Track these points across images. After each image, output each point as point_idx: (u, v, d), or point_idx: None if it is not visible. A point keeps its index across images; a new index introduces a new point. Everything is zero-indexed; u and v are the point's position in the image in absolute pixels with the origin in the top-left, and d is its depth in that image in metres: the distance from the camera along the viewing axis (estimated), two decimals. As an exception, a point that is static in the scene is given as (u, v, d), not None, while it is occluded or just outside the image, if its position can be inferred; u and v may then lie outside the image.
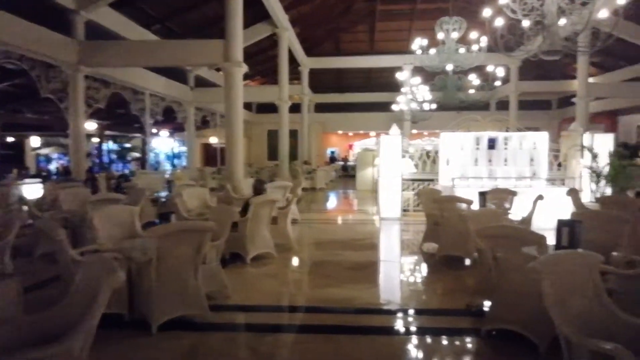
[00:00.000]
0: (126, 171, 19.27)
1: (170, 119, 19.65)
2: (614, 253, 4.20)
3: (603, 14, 7.02)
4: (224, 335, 4.19)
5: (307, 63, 22.23)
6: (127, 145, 28.49)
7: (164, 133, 26.26)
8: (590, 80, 20.13)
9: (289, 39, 17.44)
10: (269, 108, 21.89)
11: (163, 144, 26.89)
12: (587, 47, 8.01)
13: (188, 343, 3.96)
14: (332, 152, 33.25)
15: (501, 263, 3.65)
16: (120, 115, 20.86)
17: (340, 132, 32.91)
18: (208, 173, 17.40)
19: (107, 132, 25.76)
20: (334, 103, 27.91)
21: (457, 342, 3.93)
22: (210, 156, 27.25)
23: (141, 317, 4.14)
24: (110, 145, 27.26)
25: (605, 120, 26.65)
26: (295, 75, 21.98)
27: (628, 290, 3.54)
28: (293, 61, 20.22)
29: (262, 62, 21.76)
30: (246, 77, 15.30)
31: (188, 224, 4.77)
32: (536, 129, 14.99)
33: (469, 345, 3.86)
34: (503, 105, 22.79)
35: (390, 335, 4.12)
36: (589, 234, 4.77)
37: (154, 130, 23.59)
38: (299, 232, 8.73)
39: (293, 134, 20.40)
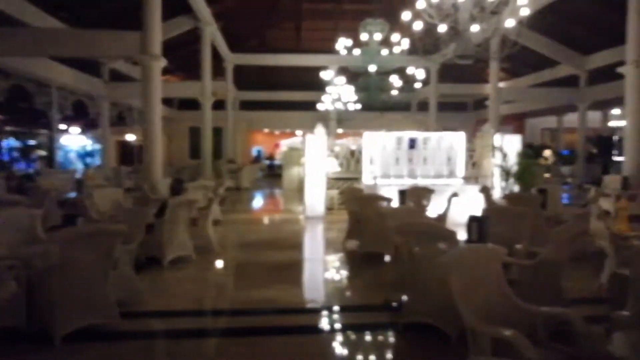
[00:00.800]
0: (30, 170, 17.60)
1: (82, 114, 18.28)
2: (517, 245, 4.52)
3: (510, 23, 7.54)
4: (137, 343, 3.94)
5: (232, 59, 21.77)
6: (32, 142, 26.12)
7: (75, 129, 24.39)
8: (501, 84, 21.71)
9: (212, 33, 16.96)
10: (192, 104, 21.12)
11: (74, 141, 24.95)
12: (496, 53, 8.58)
13: (96, 354, 3.67)
14: (258, 151, 32.90)
15: (416, 258, 3.77)
16: (24, 110, 19.06)
17: (266, 130, 32.65)
18: (124, 172, 16.43)
19: (8, 128, 23.49)
20: (260, 101, 27.59)
21: (377, 337, 4.02)
22: (127, 154, 25.82)
23: (42, 329, 3.77)
24: (11, 142, 24.81)
25: (514, 122, 28.88)
26: (219, 71, 21.42)
27: (528, 280, 3.80)
28: (217, 56, 19.70)
29: (184, 56, 20.95)
30: (166, 71, 14.62)
31: (95, 227, 4.43)
32: (454, 130, 15.92)
33: (387, 339, 3.96)
34: (423, 106, 23.86)
35: (314, 334, 4.13)
36: (497, 229, 5.08)
37: (63, 127, 21.84)
38: (222, 234, 8.49)
39: (217, 132, 19.85)
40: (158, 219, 6.06)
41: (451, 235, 3.54)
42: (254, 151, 32.52)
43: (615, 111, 21.28)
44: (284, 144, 31.25)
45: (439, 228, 3.81)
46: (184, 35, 17.21)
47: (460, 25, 6.90)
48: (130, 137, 25.09)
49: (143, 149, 10.32)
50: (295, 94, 27.39)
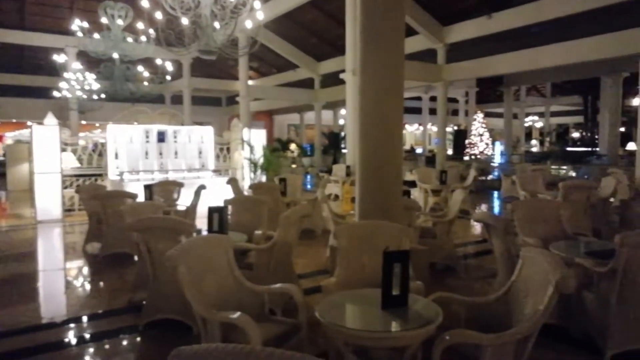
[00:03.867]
0: None
1: None
2: (257, 231, 4.89)
3: (248, 24, 8.01)
4: None
5: None
6: None
7: None
8: (250, 82, 23.04)
9: None
10: None
11: None
12: (239, 51, 9.02)
13: None
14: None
15: (155, 255, 3.67)
16: None
17: (-15, 120, 26.41)
18: None
19: None
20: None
21: (121, 342, 3.76)
22: None
23: None
24: None
25: (265, 118, 31.16)
26: None
27: (264, 262, 4.17)
28: None
29: None
30: None
31: None
32: (210, 124, 16.06)
33: (130, 343, 3.75)
34: (179, 99, 23.37)
35: (55, 350, 3.61)
36: (239, 217, 5.41)
37: None
38: None
39: None
40: None
41: (189, 228, 3.56)
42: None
43: (343, 111, 25.26)
44: (10, 136, 25.89)
45: (176, 222, 3.79)
46: None
47: (202, 21, 6.98)
48: None
49: None
50: (22, 77, 22.99)
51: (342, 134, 22.38)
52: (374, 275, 2.69)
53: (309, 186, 15.77)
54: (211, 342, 2.54)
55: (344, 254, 3.33)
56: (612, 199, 8.15)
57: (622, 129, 19.20)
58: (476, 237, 7.74)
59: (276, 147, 24.65)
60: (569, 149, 22.98)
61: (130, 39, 11.94)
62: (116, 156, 9.78)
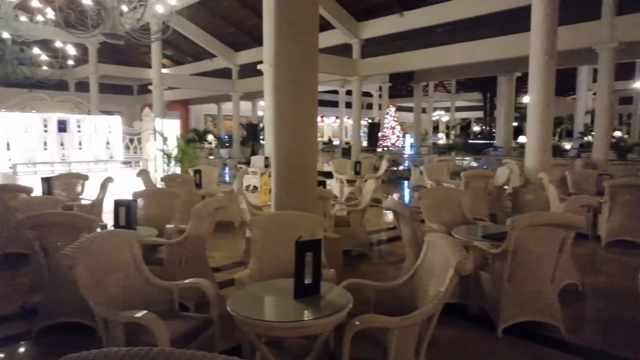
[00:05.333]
0: None
1: None
2: (169, 225, 4.70)
3: (160, 8, 7.62)
4: None
5: None
6: None
7: None
8: (165, 70, 21.96)
9: None
10: None
11: None
12: (150, 37, 8.55)
13: None
14: None
15: (52, 253, 3.38)
16: None
17: None
18: None
19: None
20: None
21: (11, 351, 3.41)
22: None
23: None
24: None
25: (180, 108, 29.91)
26: None
27: (175, 256, 4.02)
28: None
29: None
30: None
31: None
32: (120, 113, 15.04)
33: (24, 350, 3.43)
34: (85, 86, 21.61)
35: None
36: (150, 211, 5.16)
37: None
38: None
39: None
40: None
41: (91, 223, 3.33)
42: None
43: (261, 102, 25.04)
44: None
45: (76, 217, 3.51)
46: None
47: (108, 3, 6.51)
48: None
49: None
50: None
51: (261, 125, 22.18)
52: (289, 265, 2.71)
53: (227, 178, 15.47)
54: (114, 345, 2.40)
55: (258, 245, 3.31)
56: (506, 187, 8.96)
57: (515, 124, 21.11)
58: (388, 224, 8.10)
59: (192, 137, 23.87)
60: (470, 141, 24.84)
61: (24, 18, 10.79)
62: (8, 147, 8.83)
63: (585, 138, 18.36)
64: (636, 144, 17.39)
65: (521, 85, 18.77)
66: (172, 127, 11.58)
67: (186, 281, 2.92)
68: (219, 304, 2.85)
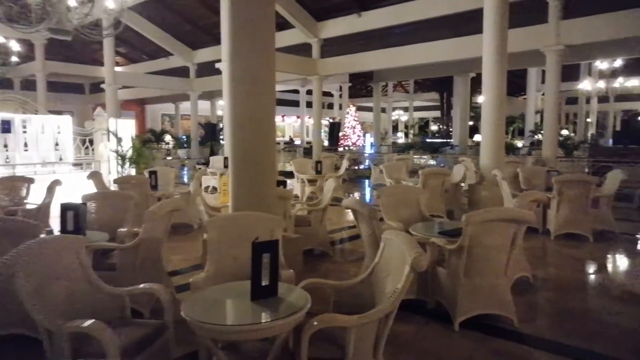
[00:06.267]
0: None
1: None
2: (121, 229, 4.52)
3: (110, 4, 7.34)
4: None
5: None
6: None
7: None
8: (118, 69, 21.21)
9: None
10: None
11: None
12: (102, 33, 8.22)
13: None
14: None
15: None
16: None
17: None
18: None
19: None
20: None
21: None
22: None
23: None
24: None
25: (136, 107, 29.00)
26: None
27: (129, 261, 3.87)
28: None
29: None
30: None
31: None
32: (71, 113, 14.37)
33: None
34: (32, 85, 20.49)
35: None
36: (102, 214, 4.94)
37: None
38: None
39: None
40: None
41: (34, 229, 3.14)
42: None
43: (221, 102, 24.66)
44: None
45: (18, 223, 3.31)
46: None
47: (53, -4, 6.20)
48: None
49: None
50: None
51: (220, 125, 21.82)
52: (247, 267, 2.65)
53: (185, 179, 15.11)
54: (59, 357, 2.27)
55: (214, 247, 3.23)
56: (462, 184, 9.21)
57: (471, 123, 21.78)
58: (350, 222, 8.14)
59: (148, 138, 23.17)
60: (429, 140, 25.43)
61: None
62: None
63: (536, 136, 19.15)
64: (581, 142, 18.32)
65: (476, 86, 19.36)
66: (126, 127, 11.18)
67: (138, 287, 2.80)
68: (173, 309, 2.75)
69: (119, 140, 10.14)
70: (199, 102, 23.07)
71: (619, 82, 17.34)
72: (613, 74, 17.06)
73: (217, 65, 12.81)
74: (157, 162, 13.62)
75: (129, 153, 10.22)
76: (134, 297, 3.07)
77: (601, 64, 16.33)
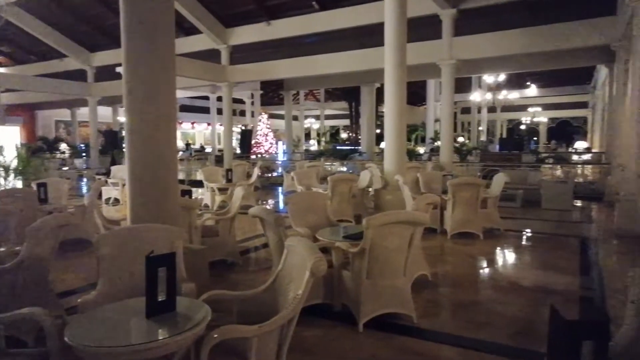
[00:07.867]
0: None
1: None
2: (0, 248, 4.07)
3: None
4: None
5: None
6: None
7: None
8: (2, 70, 19.15)
9: None
10: None
11: None
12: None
13: None
14: None
15: None
16: None
17: None
18: None
19: None
20: None
21: None
22: None
23: None
24: None
25: (24, 113, 26.33)
26: None
27: (8, 282, 3.47)
28: None
29: None
30: None
31: None
32: None
33: None
34: None
35: None
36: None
37: None
38: None
39: None
40: None
41: None
42: None
43: (123, 108, 23.31)
44: None
45: None
46: None
47: None
48: None
49: None
50: None
51: (122, 132, 20.53)
52: (144, 283, 2.51)
53: (84, 190, 13.97)
54: None
55: (106, 264, 3.02)
56: (370, 189, 9.58)
57: (378, 131, 22.80)
58: (261, 230, 8.08)
59: (40, 147, 21.10)
60: (339, 147, 26.15)
61: None
62: None
63: (436, 143, 20.54)
64: (474, 148, 19.99)
65: (381, 95, 20.26)
66: (10, 135, 10.10)
67: (14, 312, 2.52)
68: (58, 335, 2.51)
69: (1, 149, 9.11)
70: (99, 108, 21.55)
71: (503, 95, 19.22)
72: (498, 87, 18.89)
73: (117, 69, 12.09)
74: (51, 173, 12.46)
75: (14, 163, 9.22)
76: (14, 323, 2.76)
77: (488, 78, 18.00)
